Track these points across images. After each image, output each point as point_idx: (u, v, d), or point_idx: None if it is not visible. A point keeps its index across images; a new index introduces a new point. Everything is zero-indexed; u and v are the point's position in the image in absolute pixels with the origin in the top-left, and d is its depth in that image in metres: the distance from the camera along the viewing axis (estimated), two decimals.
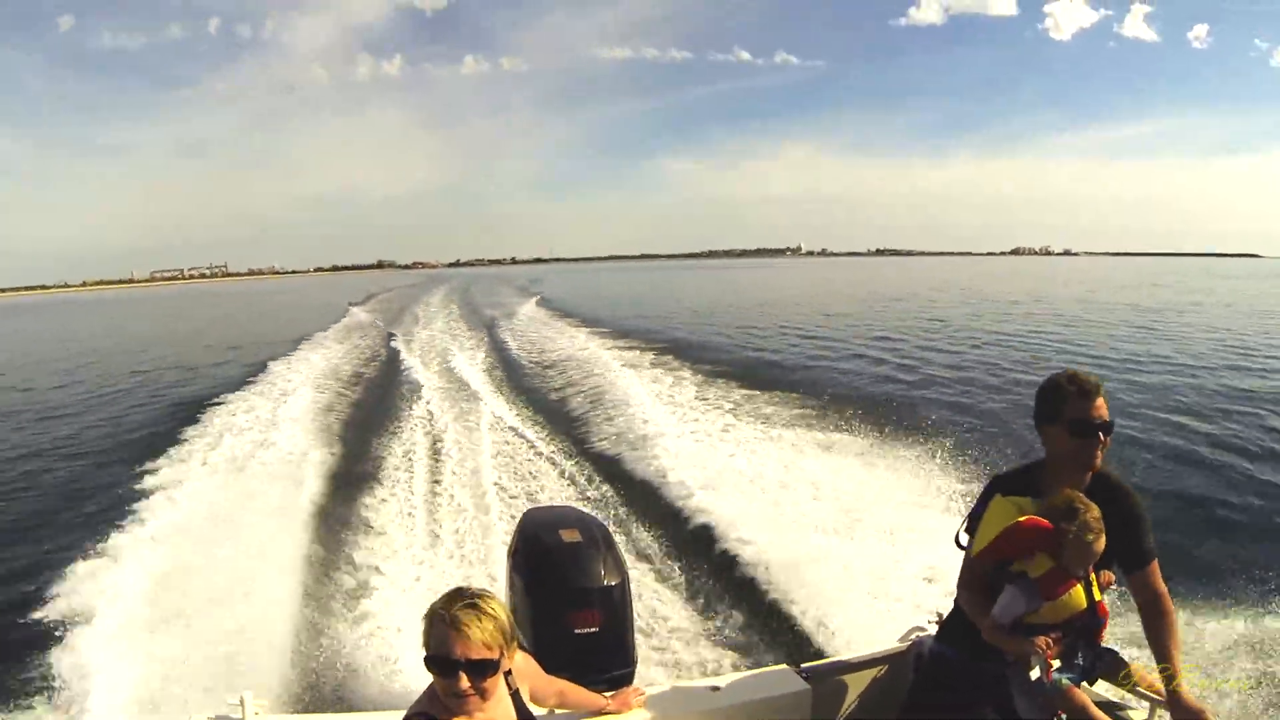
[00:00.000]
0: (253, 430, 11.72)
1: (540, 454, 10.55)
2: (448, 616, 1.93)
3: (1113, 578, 2.69)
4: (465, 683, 1.92)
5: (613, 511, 8.22)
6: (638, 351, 19.66)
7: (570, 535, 3.95)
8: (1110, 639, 2.70)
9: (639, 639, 4.27)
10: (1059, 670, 2.53)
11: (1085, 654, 2.57)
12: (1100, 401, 2.61)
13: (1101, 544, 2.47)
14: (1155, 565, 2.63)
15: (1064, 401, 2.64)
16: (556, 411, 13.21)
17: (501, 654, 1.98)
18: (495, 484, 9.12)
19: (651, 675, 5.00)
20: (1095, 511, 2.49)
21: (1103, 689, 2.77)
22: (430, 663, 1.95)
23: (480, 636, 1.93)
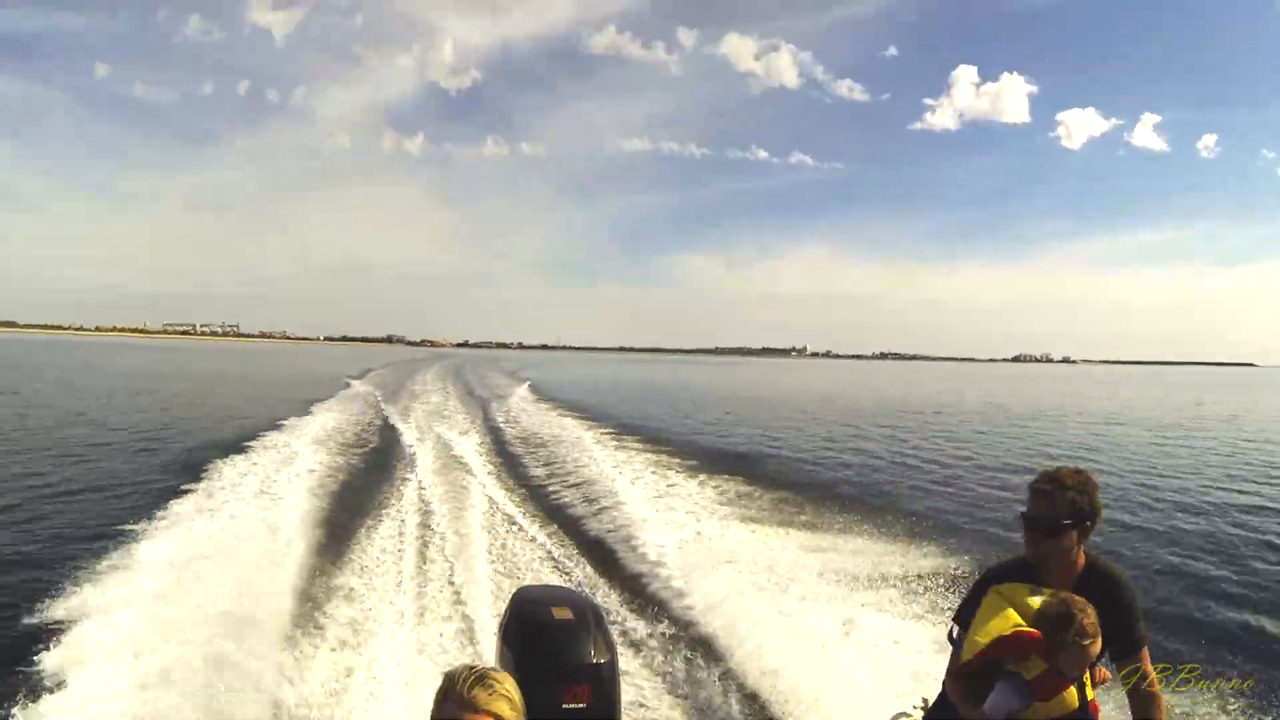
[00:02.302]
0: (242, 501, 11.41)
1: (530, 534, 10.57)
2: (477, 699, 1.92)
3: (1108, 675, 2.75)
4: None
5: (601, 590, 8.27)
6: (630, 439, 20.05)
7: (562, 613, 4.04)
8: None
9: (626, 717, 4.29)
10: None
11: None
12: (1046, 501, 2.64)
13: (1097, 648, 2.51)
14: (1145, 653, 2.69)
15: (1027, 499, 2.76)
16: (548, 494, 13.29)
17: None
18: (486, 562, 9.10)
19: None
20: (1091, 616, 2.49)
21: None
22: None
23: (511, 714, 1.95)
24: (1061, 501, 2.63)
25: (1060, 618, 2.49)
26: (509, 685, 1.98)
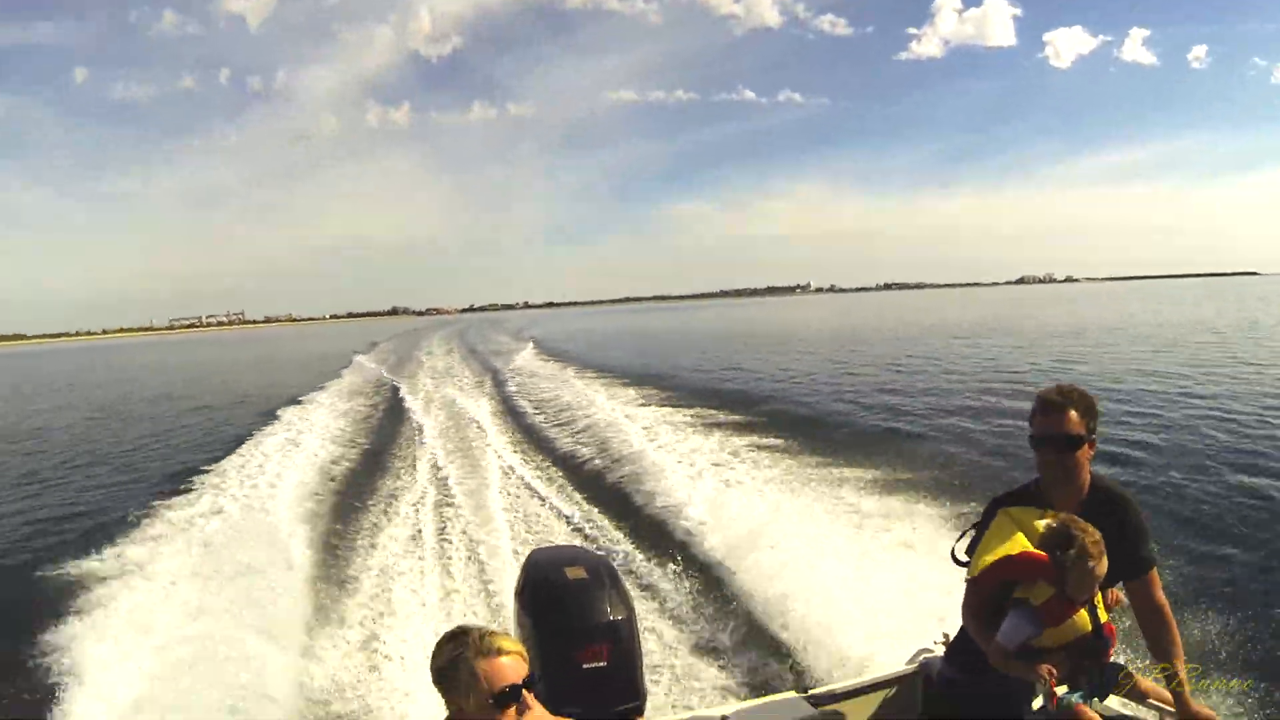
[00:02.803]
0: (260, 474, 11.80)
1: (544, 495, 10.55)
2: (494, 646, 1.98)
3: (1120, 597, 2.68)
4: (527, 700, 1.99)
5: (618, 548, 8.22)
6: (639, 390, 19.85)
7: (576, 573, 3.98)
8: (1117, 653, 2.67)
9: (647, 672, 4.26)
10: (1068, 690, 2.48)
11: (1093, 673, 2.52)
12: (1058, 416, 2.58)
13: (1103, 568, 2.42)
14: (1155, 574, 2.62)
15: (1031, 417, 2.67)
16: (559, 452, 13.25)
17: None
18: (501, 526, 9.12)
19: (661, 708, 4.97)
20: (1094, 535, 2.42)
21: (1112, 703, 2.73)
22: (505, 698, 1.96)
23: (521, 651, 2.03)
24: (1074, 415, 2.57)
25: (1063, 538, 2.44)
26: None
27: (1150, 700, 2.66)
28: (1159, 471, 10.15)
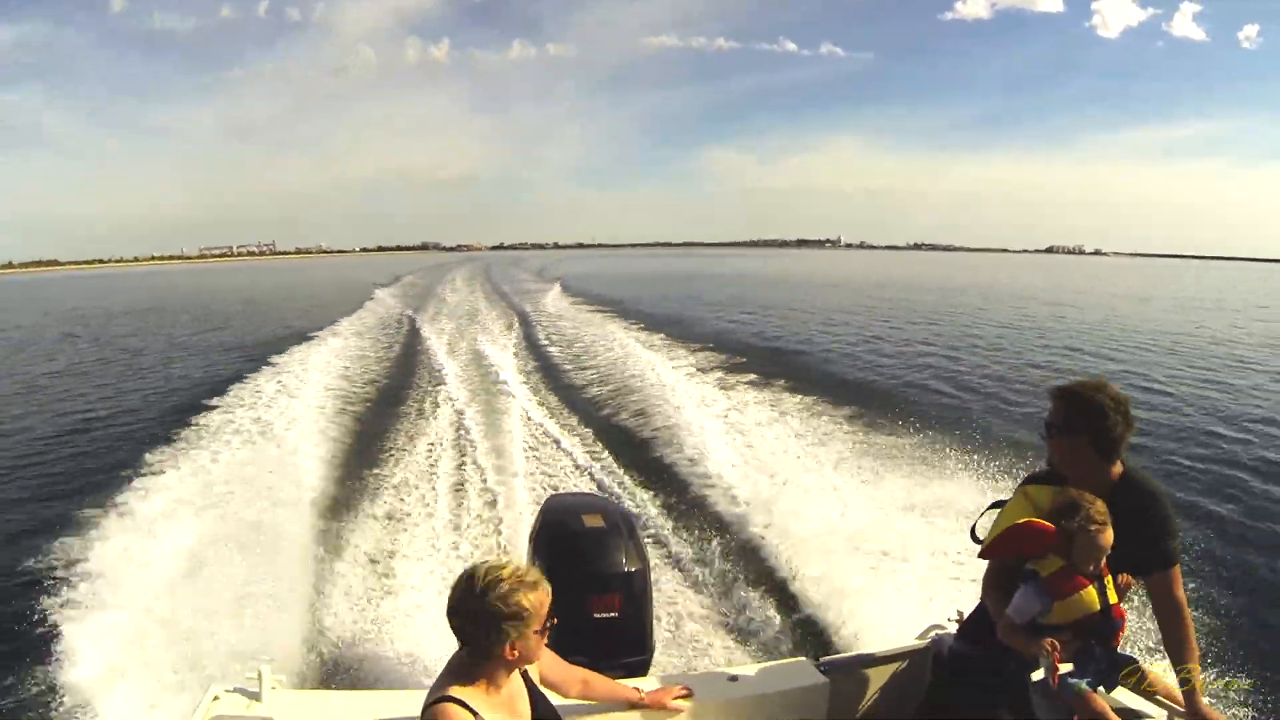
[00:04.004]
0: (276, 409, 11.81)
1: (564, 441, 10.49)
2: (534, 579, 2.06)
3: (1131, 581, 2.66)
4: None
5: (635, 500, 8.21)
6: (667, 338, 19.61)
7: (594, 520, 3.97)
8: (1131, 647, 2.65)
9: (657, 627, 4.26)
10: (1075, 674, 2.50)
11: (1101, 658, 2.53)
12: (1051, 404, 2.65)
13: (1108, 537, 2.43)
14: (1176, 571, 2.58)
15: None
16: (581, 399, 13.20)
17: None
18: (519, 470, 9.11)
19: (668, 663, 5.01)
20: (1099, 506, 2.46)
21: (1121, 695, 2.73)
22: (543, 630, 2.08)
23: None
24: (1067, 408, 2.61)
25: (1067, 506, 2.49)
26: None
27: (1159, 697, 2.67)
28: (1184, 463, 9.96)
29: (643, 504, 8.09)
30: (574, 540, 3.87)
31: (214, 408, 12.11)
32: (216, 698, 2.70)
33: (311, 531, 7.03)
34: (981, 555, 2.69)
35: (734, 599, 5.99)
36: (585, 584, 3.67)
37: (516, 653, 2.03)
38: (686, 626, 5.63)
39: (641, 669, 3.66)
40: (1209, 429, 12.02)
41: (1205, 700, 2.48)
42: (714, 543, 6.93)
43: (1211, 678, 4.00)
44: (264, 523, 6.94)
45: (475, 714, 1.98)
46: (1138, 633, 4.16)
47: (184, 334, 26.52)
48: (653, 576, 3.98)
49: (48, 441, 11.54)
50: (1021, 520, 2.54)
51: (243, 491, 7.85)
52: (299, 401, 12.35)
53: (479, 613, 1.98)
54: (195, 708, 2.64)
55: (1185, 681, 2.48)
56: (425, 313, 28.46)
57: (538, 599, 2.03)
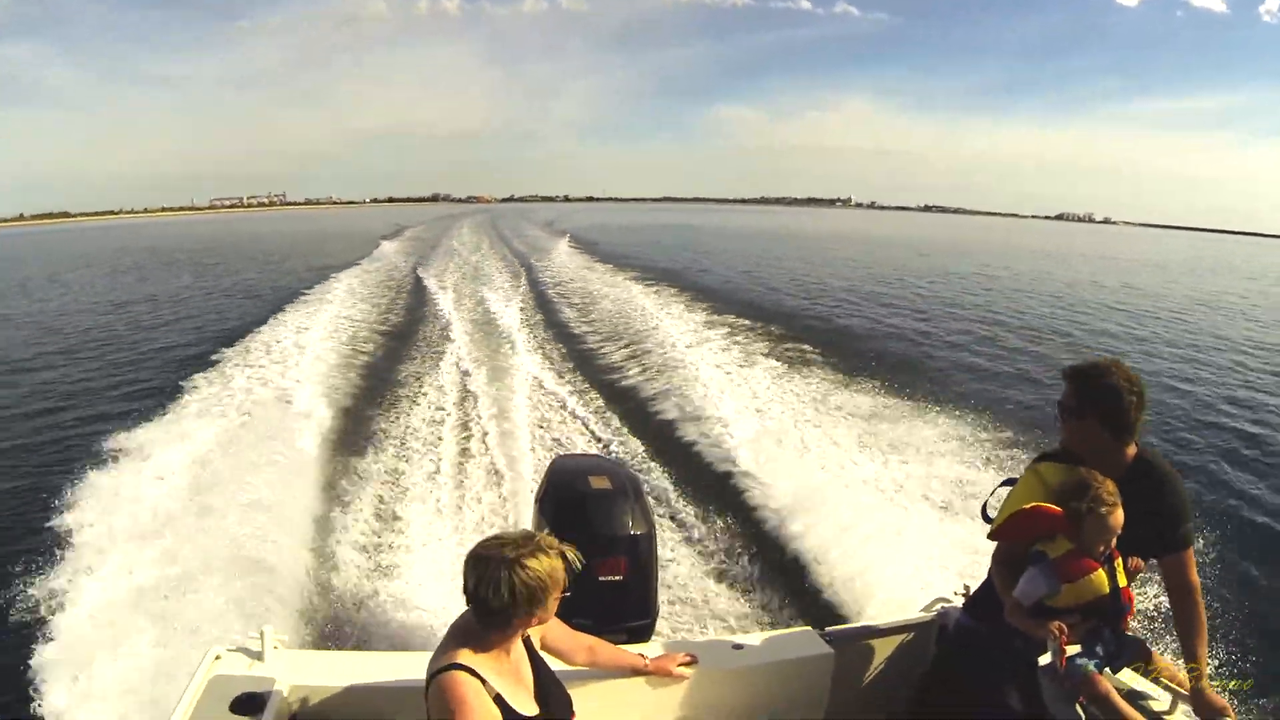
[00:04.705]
0: (278, 366, 11.67)
1: (571, 403, 10.45)
2: (553, 544, 2.04)
3: (1141, 565, 2.62)
4: None
5: (641, 463, 8.18)
6: (678, 297, 19.33)
7: (600, 482, 3.94)
8: (1139, 631, 2.62)
9: (661, 592, 4.26)
10: (1082, 656, 2.49)
11: (1109, 641, 2.52)
12: (1066, 386, 2.61)
13: (1118, 518, 2.38)
14: (1189, 555, 2.55)
15: None
16: (589, 358, 13.10)
17: None
18: (524, 430, 9.06)
19: (672, 628, 5.04)
20: (1109, 486, 2.41)
21: (1126, 678, 2.72)
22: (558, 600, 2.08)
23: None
24: (1079, 389, 2.58)
25: (1076, 487, 2.44)
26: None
27: (1164, 680, 2.66)
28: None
29: (649, 467, 8.06)
30: (580, 502, 3.84)
31: (215, 363, 12.04)
32: (218, 657, 2.69)
33: (313, 490, 7.05)
34: (990, 537, 2.67)
35: (740, 566, 6.00)
36: (591, 546, 3.63)
37: (535, 622, 2.04)
38: (691, 593, 5.63)
39: (646, 633, 3.66)
40: (1225, 409, 11.83)
41: (1211, 686, 2.46)
42: (721, 509, 6.92)
43: (1220, 666, 3.98)
44: (265, 481, 6.95)
45: (485, 682, 1.96)
46: (1142, 616, 4.13)
47: (183, 288, 26.09)
48: (660, 540, 3.96)
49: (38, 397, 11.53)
50: (1028, 506, 2.50)
51: (243, 449, 7.83)
52: (304, 355, 12.29)
53: (501, 582, 1.94)
54: (196, 668, 2.63)
55: (1193, 666, 2.47)
56: (432, 265, 28.27)
57: (561, 569, 2.02)
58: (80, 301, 23.07)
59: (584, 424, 9.59)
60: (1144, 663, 2.65)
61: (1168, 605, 2.73)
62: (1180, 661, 2.55)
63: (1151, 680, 2.69)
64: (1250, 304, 27.34)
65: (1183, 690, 2.57)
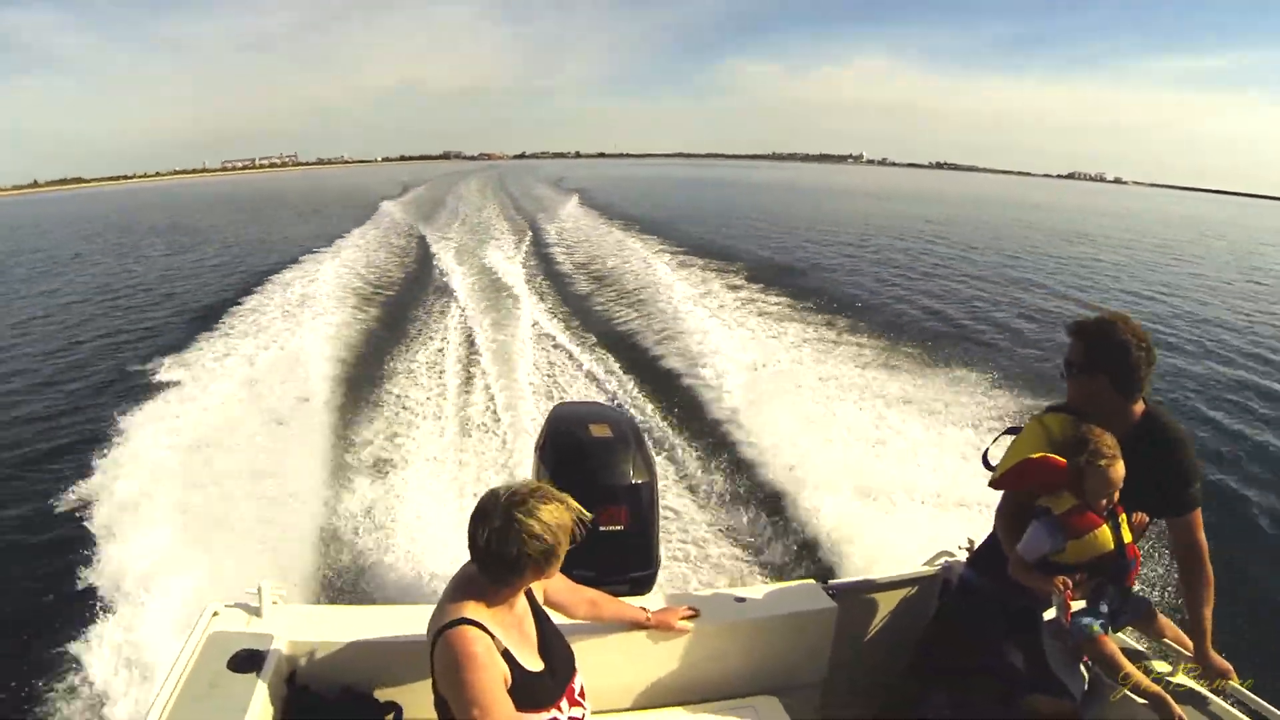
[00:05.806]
0: (281, 322, 11.73)
1: (572, 350, 10.39)
2: (558, 495, 1.95)
3: (1145, 520, 2.58)
4: None
5: (642, 411, 8.10)
6: (682, 254, 19.12)
7: (600, 430, 3.83)
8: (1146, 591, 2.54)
9: (664, 544, 4.17)
10: (1086, 613, 2.48)
11: (1113, 598, 2.50)
12: (1070, 342, 2.54)
13: (1119, 470, 2.35)
14: (1196, 515, 2.47)
15: None
16: (590, 307, 13.06)
17: None
18: (525, 378, 9.04)
19: (674, 581, 4.98)
20: (1108, 439, 2.38)
21: (1130, 636, 2.71)
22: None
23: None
24: (1087, 345, 2.50)
25: (1077, 440, 2.41)
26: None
27: (1167, 640, 2.64)
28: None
29: (650, 416, 8.00)
30: (580, 450, 3.73)
31: (216, 325, 12.01)
32: (216, 613, 2.64)
33: (313, 446, 7.01)
34: (992, 485, 2.62)
35: (742, 519, 5.92)
36: (591, 495, 3.51)
37: (544, 575, 1.98)
38: (693, 545, 5.58)
39: (648, 584, 3.59)
40: (1238, 366, 11.59)
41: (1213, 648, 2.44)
42: (723, 460, 6.85)
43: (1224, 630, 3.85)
44: (262, 437, 6.98)
45: (493, 637, 1.91)
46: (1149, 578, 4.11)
47: (183, 250, 25.96)
48: (661, 489, 3.85)
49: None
50: (1035, 455, 2.45)
51: (240, 405, 7.88)
52: (306, 310, 12.33)
53: (512, 534, 1.87)
54: (194, 624, 2.58)
55: (1197, 626, 2.44)
56: (437, 221, 28.18)
57: (570, 520, 1.94)
58: (72, 281, 22.91)
59: (585, 370, 9.54)
60: (1149, 622, 2.61)
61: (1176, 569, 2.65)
62: (1185, 620, 2.52)
63: (1155, 640, 2.67)
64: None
65: (1186, 651, 2.53)
